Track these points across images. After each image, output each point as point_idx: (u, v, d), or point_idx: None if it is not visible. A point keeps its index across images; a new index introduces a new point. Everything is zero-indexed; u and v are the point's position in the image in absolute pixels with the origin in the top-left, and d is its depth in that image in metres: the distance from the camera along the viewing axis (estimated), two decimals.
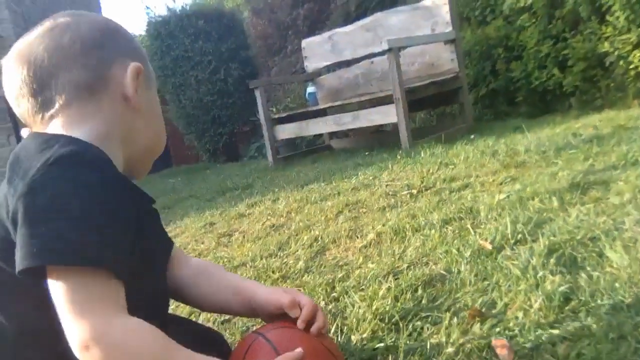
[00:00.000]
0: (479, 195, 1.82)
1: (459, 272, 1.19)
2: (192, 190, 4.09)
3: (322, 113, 4.42)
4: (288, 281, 1.55)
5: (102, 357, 0.58)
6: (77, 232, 0.60)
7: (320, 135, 5.17)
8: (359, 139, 4.93)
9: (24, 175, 0.63)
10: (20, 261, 0.60)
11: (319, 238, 1.83)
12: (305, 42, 4.98)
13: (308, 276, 1.52)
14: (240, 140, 7.45)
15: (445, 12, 3.90)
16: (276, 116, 4.78)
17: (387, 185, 2.42)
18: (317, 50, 4.85)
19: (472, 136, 3.30)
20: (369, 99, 4.08)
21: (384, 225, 1.74)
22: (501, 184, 1.89)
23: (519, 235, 1.28)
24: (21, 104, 0.76)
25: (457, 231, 1.49)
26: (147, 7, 7.46)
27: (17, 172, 0.66)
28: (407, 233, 1.60)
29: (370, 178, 2.71)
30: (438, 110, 5.04)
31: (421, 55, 4.16)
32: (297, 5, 8.33)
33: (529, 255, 1.15)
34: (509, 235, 1.29)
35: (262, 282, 1.58)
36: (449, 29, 3.88)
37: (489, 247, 1.25)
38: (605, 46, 3.47)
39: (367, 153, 3.77)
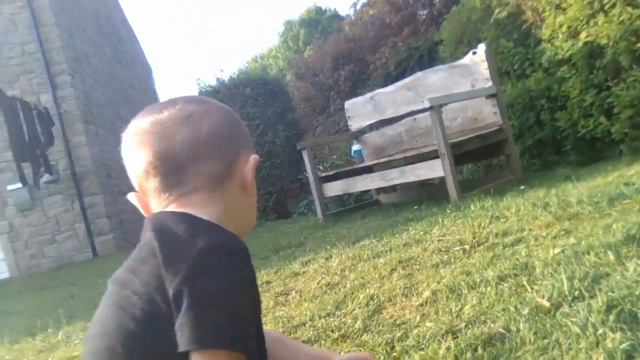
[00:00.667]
0: (533, 250, 1.83)
1: (518, 330, 1.21)
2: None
3: (369, 169, 4.52)
4: (348, 341, 1.60)
5: None
6: (238, 321, 0.68)
7: (368, 190, 5.25)
8: (407, 193, 4.98)
9: (181, 259, 0.70)
10: (188, 341, 0.65)
11: (375, 296, 1.88)
12: (348, 104, 5.17)
13: (367, 335, 1.56)
14: (288, 197, 7.64)
15: (484, 68, 4.00)
16: (323, 174, 4.91)
17: (439, 241, 2.45)
18: (360, 110, 5.02)
19: (522, 187, 3.31)
20: (414, 154, 4.16)
21: (438, 282, 1.78)
22: (555, 237, 1.90)
23: (576, 292, 1.29)
24: (150, 180, 0.82)
25: (513, 288, 1.51)
26: (198, 79, 7.96)
27: (169, 252, 0.72)
28: (462, 290, 1.63)
29: (421, 233, 2.75)
30: (485, 162, 5.06)
31: (463, 111, 4.24)
32: (337, 67, 8.68)
33: (587, 312, 1.16)
34: (566, 292, 1.31)
35: (322, 341, 1.64)
36: (489, 84, 3.97)
37: (547, 304, 1.27)
38: None
39: (415, 207, 3.81)
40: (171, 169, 0.81)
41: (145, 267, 0.75)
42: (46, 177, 7.99)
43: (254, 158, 0.88)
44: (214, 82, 7.90)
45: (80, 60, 9.58)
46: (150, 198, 0.85)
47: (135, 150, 0.83)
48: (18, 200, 8.42)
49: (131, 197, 0.89)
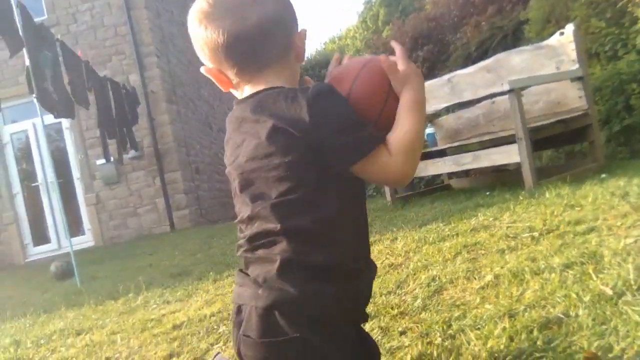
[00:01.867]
0: (604, 239, 1.76)
1: (577, 315, 1.19)
2: None
3: (442, 153, 4.45)
4: (406, 317, 1.63)
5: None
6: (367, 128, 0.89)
7: (440, 174, 5.17)
8: (480, 178, 4.86)
9: (300, 106, 0.87)
10: (351, 155, 0.87)
11: (437, 278, 1.89)
12: (426, 85, 5.09)
13: (425, 314, 1.59)
14: None
15: (571, 49, 3.79)
16: None
17: (507, 227, 2.40)
18: (435, 93, 4.92)
19: (603, 175, 3.14)
20: (490, 138, 4.05)
21: (502, 267, 1.76)
22: (629, 227, 1.81)
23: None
24: (227, 54, 0.94)
25: (578, 275, 1.47)
26: None
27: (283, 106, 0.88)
28: (525, 276, 1.60)
29: (491, 219, 2.70)
30: (567, 148, 4.81)
31: (546, 94, 4.05)
32: (416, 47, 8.51)
33: None
34: (632, 281, 1.26)
35: (381, 317, 1.68)
36: (576, 66, 3.76)
37: (610, 292, 1.24)
38: None
39: (488, 193, 3.72)
40: (247, 49, 0.93)
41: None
42: (131, 153, 8.53)
43: (304, 31, 1.00)
44: None
45: (167, 42, 10.06)
46: (227, 70, 0.97)
47: (211, 31, 0.93)
48: (105, 174, 9.08)
49: (203, 70, 1.00)
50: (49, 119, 6.46)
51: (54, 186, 7.20)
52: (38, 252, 9.25)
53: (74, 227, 9.10)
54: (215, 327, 2.00)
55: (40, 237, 9.45)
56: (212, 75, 0.99)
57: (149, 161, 9.18)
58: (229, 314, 2.11)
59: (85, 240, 9.25)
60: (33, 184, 9.46)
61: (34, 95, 4.56)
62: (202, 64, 1.00)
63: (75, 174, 9.39)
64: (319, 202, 0.88)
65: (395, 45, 0.99)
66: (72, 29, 9.24)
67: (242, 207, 0.94)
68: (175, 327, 2.17)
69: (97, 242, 9.23)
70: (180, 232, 8.32)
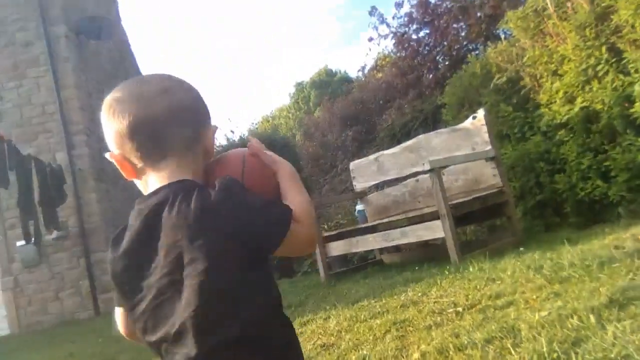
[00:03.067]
0: (522, 312, 1.86)
1: None
2: None
3: (372, 229, 4.57)
4: None
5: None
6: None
7: (372, 249, 5.28)
8: (410, 252, 5.00)
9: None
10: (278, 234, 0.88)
11: (367, 358, 1.90)
12: (353, 164, 5.30)
13: None
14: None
15: (484, 132, 4.13)
16: (327, 234, 4.97)
17: (434, 303, 2.48)
18: (364, 171, 5.13)
19: (521, 249, 3.34)
20: (415, 215, 4.23)
21: (428, 344, 1.80)
22: (544, 300, 1.93)
23: (555, 354, 1.33)
24: (130, 142, 0.93)
25: (498, 351, 1.54)
26: None
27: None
28: (450, 352, 1.66)
29: (419, 294, 2.77)
30: (489, 222, 5.09)
31: (464, 172, 4.34)
32: (345, 128, 8.93)
33: None
34: (545, 355, 1.34)
35: None
36: (489, 147, 4.08)
37: None
38: None
39: (417, 268, 3.83)
40: (150, 133, 0.92)
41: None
42: (55, 233, 8.10)
43: (215, 127, 1.00)
44: (224, 142, 8.13)
45: (97, 121, 9.88)
46: (129, 158, 0.95)
47: (118, 115, 0.94)
48: (25, 257, 8.50)
49: (108, 156, 0.98)
50: None
51: None
52: None
53: None
54: None
55: None
56: (117, 161, 0.96)
57: (73, 241, 8.72)
58: None
59: (0, 329, 8.47)
60: None
61: None
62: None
63: None
64: None
65: (251, 140, 1.01)
66: None
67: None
68: None
69: (12, 329, 8.44)
70: (106, 317, 7.80)
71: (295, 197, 0.94)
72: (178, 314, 0.86)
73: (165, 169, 0.93)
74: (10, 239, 8.58)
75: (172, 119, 0.93)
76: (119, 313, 1.03)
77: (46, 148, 8.78)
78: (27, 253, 8.40)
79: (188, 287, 0.85)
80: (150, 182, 0.95)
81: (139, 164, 0.95)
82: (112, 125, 0.96)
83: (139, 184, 0.99)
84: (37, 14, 9.16)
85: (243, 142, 7.70)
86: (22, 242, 7.63)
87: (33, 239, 7.01)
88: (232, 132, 10.79)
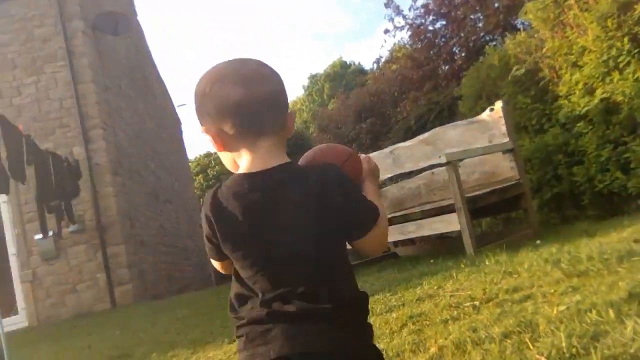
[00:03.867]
0: (540, 307, 1.84)
1: None
2: None
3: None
4: None
5: None
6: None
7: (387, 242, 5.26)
8: (425, 246, 4.99)
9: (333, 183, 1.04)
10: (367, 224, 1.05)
11: (383, 351, 1.89)
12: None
13: None
14: None
15: (501, 124, 4.08)
16: None
17: (450, 296, 2.46)
18: (379, 164, 5.06)
19: (538, 242, 3.30)
20: (431, 208, 4.21)
21: (445, 338, 1.80)
22: (562, 294, 1.91)
23: (574, 349, 1.32)
24: (232, 121, 1.03)
25: (516, 345, 1.53)
26: None
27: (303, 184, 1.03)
28: (467, 347, 1.65)
29: (435, 288, 2.76)
30: (505, 215, 5.05)
31: (481, 165, 4.30)
32: (359, 120, 8.89)
33: None
34: (564, 349, 1.33)
35: None
36: (506, 139, 4.03)
37: None
38: None
39: (432, 261, 3.82)
40: (252, 113, 1.03)
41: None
42: (72, 227, 8.23)
43: (294, 112, 1.16)
44: None
45: (114, 115, 10.03)
46: (228, 136, 1.05)
47: (222, 92, 1.03)
48: (43, 250, 8.65)
49: (203, 130, 1.07)
50: None
51: None
52: None
53: (7, 306, 8.50)
54: None
55: None
56: (212, 135, 1.06)
57: (90, 235, 8.85)
58: None
59: (19, 321, 8.62)
60: None
61: None
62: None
63: (11, 249, 8.89)
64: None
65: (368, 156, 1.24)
66: (16, 102, 9.08)
67: None
68: None
69: (31, 322, 8.61)
70: (122, 309, 7.92)
71: (380, 206, 1.08)
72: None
73: (261, 148, 1.04)
74: (29, 233, 8.74)
75: (270, 103, 1.05)
76: None
77: (63, 142, 8.90)
78: (45, 246, 8.54)
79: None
80: (244, 157, 1.06)
81: (235, 141, 1.05)
82: (214, 101, 1.04)
83: (225, 157, 1.10)
84: (55, 10, 9.25)
85: None
86: (40, 236, 7.76)
87: (50, 232, 7.13)
88: None
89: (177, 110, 16.31)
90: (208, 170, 22.66)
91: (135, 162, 10.67)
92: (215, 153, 1.16)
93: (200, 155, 24.27)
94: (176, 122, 16.11)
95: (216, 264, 1.18)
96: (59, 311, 8.66)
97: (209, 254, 1.16)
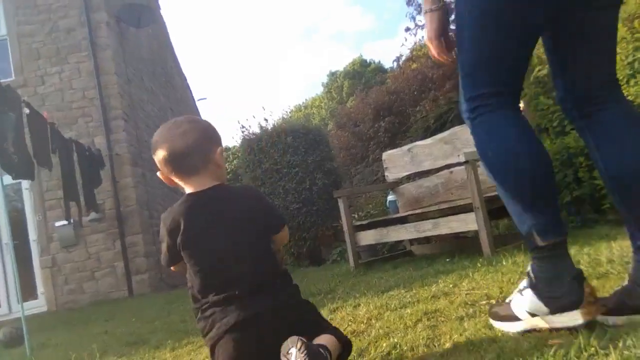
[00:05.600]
0: None
1: None
2: None
3: (403, 220, 4.56)
4: None
5: None
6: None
7: (402, 240, 5.26)
8: (441, 244, 4.97)
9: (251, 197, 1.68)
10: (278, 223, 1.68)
11: (398, 345, 1.90)
12: (385, 155, 5.27)
13: None
14: (322, 243, 7.69)
15: None
16: (358, 223, 4.97)
17: (466, 294, 2.45)
18: (397, 162, 5.10)
19: None
20: (449, 206, 4.19)
21: (460, 335, 1.79)
22: None
23: (592, 349, 1.31)
24: (171, 165, 1.56)
25: (533, 343, 1.52)
26: (242, 126, 8.27)
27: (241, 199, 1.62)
28: (483, 343, 1.64)
29: (450, 286, 2.75)
30: None
31: None
32: (378, 118, 8.87)
33: None
34: (583, 349, 1.32)
35: None
36: None
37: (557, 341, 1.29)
38: None
39: (448, 260, 3.80)
40: (176, 163, 1.56)
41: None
42: (92, 215, 8.36)
43: (222, 149, 1.63)
44: (257, 130, 8.18)
45: (135, 107, 10.16)
46: (170, 174, 1.60)
47: (156, 152, 1.58)
48: (63, 236, 8.81)
49: (159, 174, 1.62)
50: (8, 179, 6.32)
51: (9, 248, 6.92)
52: None
53: (27, 291, 8.68)
54: None
55: None
56: (163, 177, 1.61)
57: (109, 224, 8.99)
58: None
59: (38, 305, 8.82)
60: None
61: None
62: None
63: (32, 235, 9.08)
64: None
65: None
66: (40, 91, 9.25)
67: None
68: None
69: (50, 307, 8.80)
70: (139, 298, 8.03)
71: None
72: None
73: (194, 181, 1.58)
74: (50, 219, 8.91)
75: (189, 152, 1.54)
76: None
77: (85, 132, 9.06)
78: (65, 233, 8.70)
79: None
80: (186, 189, 1.59)
81: (175, 179, 1.60)
82: (156, 158, 1.58)
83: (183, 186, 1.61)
84: (80, 2, 9.40)
85: (275, 130, 7.74)
86: (61, 222, 7.90)
87: (72, 219, 7.25)
88: (265, 120, 10.86)
89: (197, 104, 16.44)
90: (227, 164, 22.84)
91: None
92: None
93: None
94: (195, 115, 16.22)
95: (172, 268, 1.62)
96: (77, 297, 8.83)
97: (164, 261, 1.60)
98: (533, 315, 1.56)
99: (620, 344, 1.33)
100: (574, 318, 1.47)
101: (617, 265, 2.17)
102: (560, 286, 1.52)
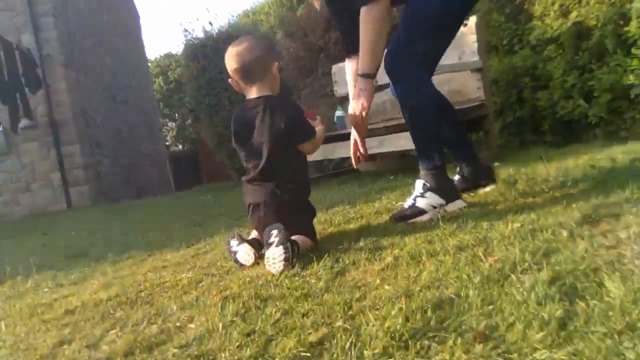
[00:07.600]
0: (494, 224, 1.89)
1: (467, 296, 1.27)
2: (222, 208, 4.24)
3: (350, 137, 4.52)
4: (309, 299, 1.65)
5: None
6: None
7: (348, 157, 5.27)
8: (386, 162, 5.03)
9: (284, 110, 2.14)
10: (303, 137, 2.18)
11: (340, 260, 1.93)
12: (335, 67, 5.14)
13: (328, 295, 1.62)
14: None
15: (472, 41, 4.00)
16: None
17: None
18: (343, 77, 4.98)
19: (496, 164, 3.36)
20: (395, 124, 4.19)
21: (401, 249, 1.83)
22: (517, 213, 1.96)
23: (526, 264, 1.36)
24: (238, 74, 2.09)
25: (470, 258, 1.57)
26: (186, 30, 7.74)
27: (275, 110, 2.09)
28: (422, 257, 1.69)
29: (393, 202, 2.81)
30: None
31: (448, 83, 4.25)
32: (329, 28, 8.54)
33: (533, 283, 1.23)
34: (517, 263, 1.37)
35: (285, 299, 1.69)
36: (476, 57, 3.97)
37: (498, 265, 1.34)
38: (631, 78, 3.51)
39: (392, 177, 3.86)
40: (244, 72, 2.08)
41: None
42: (24, 122, 7.85)
43: (277, 64, 2.14)
44: (201, 34, 7.73)
45: (66, 2, 9.29)
46: (239, 80, 2.11)
47: (229, 63, 2.09)
48: None
49: (231, 81, 2.13)
50: None
51: None
52: None
53: None
54: (112, 312, 1.91)
55: None
56: (233, 83, 2.13)
57: (43, 131, 8.49)
58: (127, 298, 2.02)
59: None
60: None
61: None
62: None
63: None
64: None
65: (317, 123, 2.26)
66: None
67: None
68: (68, 312, 2.04)
69: None
70: (78, 210, 7.82)
71: (318, 133, 2.21)
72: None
73: (254, 88, 2.10)
74: None
75: (253, 64, 2.06)
76: None
77: (10, 28, 8.24)
78: None
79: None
80: (250, 93, 2.11)
81: (243, 85, 2.11)
82: (228, 67, 2.09)
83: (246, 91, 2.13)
84: None
85: (221, 36, 7.33)
86: None
87: (2, 126, 6.78)
88: (210, 23, 10.26)
89: (136, 3, 15.28)
90: (169, 73, 21.73)
91: (90, 57, 10.08)
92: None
93: (160, 56, 23.06)
94: (134, 17, 15.14)
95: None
96: (12, 210, 8.50)
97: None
98: (434, 207, 2.23)
99: (553, 259, 1.39)
100: (460, 204, 2.28)
101: (553, 185, 2.25)
102: (449, 187, 2.34)
